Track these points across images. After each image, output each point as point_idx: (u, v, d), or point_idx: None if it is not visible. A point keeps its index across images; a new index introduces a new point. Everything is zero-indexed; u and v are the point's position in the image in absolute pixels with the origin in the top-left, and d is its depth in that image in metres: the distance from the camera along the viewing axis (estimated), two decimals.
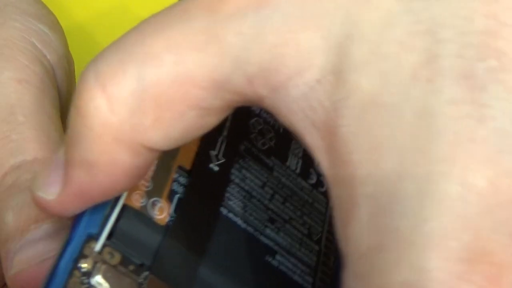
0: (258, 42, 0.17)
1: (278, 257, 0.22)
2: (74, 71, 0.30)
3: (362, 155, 0.16)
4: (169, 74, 0.17)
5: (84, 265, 0.18)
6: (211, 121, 0.18)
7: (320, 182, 0.24)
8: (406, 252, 0.15)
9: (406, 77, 0.15)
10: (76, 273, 0.18)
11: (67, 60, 0.28)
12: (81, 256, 0.18)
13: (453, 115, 0.15)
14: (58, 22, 0.29)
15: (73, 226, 0.19)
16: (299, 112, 0.17)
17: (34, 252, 0.22)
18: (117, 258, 0.19)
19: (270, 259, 0.22)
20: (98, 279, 0.18)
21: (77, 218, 0.19)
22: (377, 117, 0.16)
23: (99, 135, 0.18)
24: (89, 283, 0.18)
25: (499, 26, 0.15)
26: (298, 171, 0.24)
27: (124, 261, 0.19)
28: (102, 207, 0.19)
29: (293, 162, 0.24)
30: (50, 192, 0.19)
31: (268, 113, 0.21)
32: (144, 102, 0.17)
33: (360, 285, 0.15)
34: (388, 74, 0.16)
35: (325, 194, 0.24)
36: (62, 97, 0.27)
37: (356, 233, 0.16)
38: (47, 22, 0.28)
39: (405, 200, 0.15)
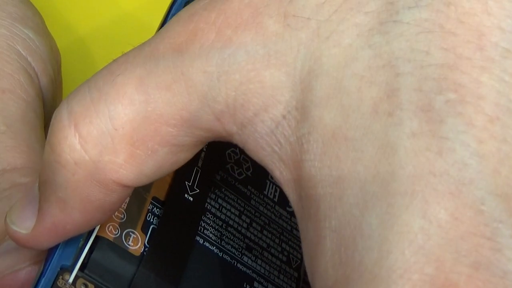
0: (224, 80, 0.17)
1: (256, 284, 0.22)
2: (60, 68, 0.29)
3: (325, 189, 0.16)
4: (139, 113, 0.17)
5: None
6: (184, 157, 0.18)
7: None
8: (370, 285, 0.15)
9: (367, 111, 0.16)
10: None
11: (52, 65, 0.28)
12: (54, 287, 0.19)
13: (413, 148, 0.15)
14: (43, 24, 0.28)
15: (47, 258, 0.19)
16: (266, 147, 0.17)
17: (5, 263, 0.22)
18: None
19: (248, 286, 0.22)
20: None
21: (51, 250, 0.20)
22: (339, 151, 0.16)
23: (72, 173, 0.18)
24: None
25: (457, 59, 0.15)
26: (276, 199, 0.24)
27: None
28: (76, 239, 0.19)
29: (271, 191, 0.24)
30: (24, 227, 0.19)
31: None
32: (116, 140, 0.17)
33: None
34: (349, 108, 0.16)
35: None
36: (46, 104, 0.27)
37: (322, 267, 0.16)
38: (32, 25, 0.27)
39: (368, 233, 0.15)
